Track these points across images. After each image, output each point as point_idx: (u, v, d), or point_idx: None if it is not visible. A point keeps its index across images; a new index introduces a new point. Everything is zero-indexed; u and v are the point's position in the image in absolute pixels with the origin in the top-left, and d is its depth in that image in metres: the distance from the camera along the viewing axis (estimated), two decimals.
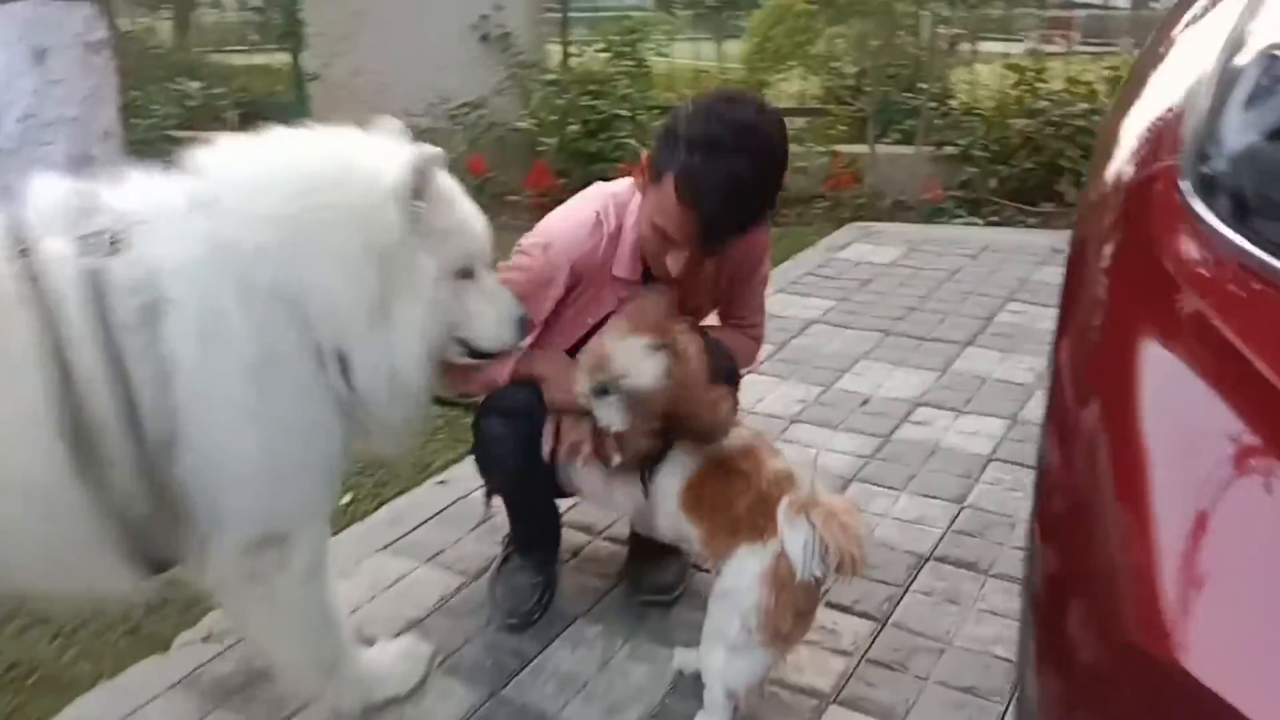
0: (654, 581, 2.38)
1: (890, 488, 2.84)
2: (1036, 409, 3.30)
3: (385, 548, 2.62)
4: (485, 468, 2.29)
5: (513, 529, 2.44)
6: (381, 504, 2.87)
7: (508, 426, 2.14)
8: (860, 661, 2.14)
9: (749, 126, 1.92)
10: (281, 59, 7.75)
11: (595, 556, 2.58)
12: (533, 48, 6.82)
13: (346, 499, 2.88)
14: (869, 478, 2.92)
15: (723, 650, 1.87)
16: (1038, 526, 0.81)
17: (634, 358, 1.86)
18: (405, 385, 1.68)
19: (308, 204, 1.60)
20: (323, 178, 1.62)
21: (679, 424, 1.91)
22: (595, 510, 2.71)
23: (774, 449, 2.01)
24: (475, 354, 1.83)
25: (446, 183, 1.69)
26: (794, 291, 4.64)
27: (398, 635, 2.24)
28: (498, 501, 2.42)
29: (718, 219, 1.94)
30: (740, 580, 1.84)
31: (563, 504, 2.59)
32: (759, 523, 1.82)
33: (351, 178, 1.62)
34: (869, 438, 3.15)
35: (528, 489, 2.28)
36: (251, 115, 7.62)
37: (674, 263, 2.03)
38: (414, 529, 2.71)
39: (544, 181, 6.21)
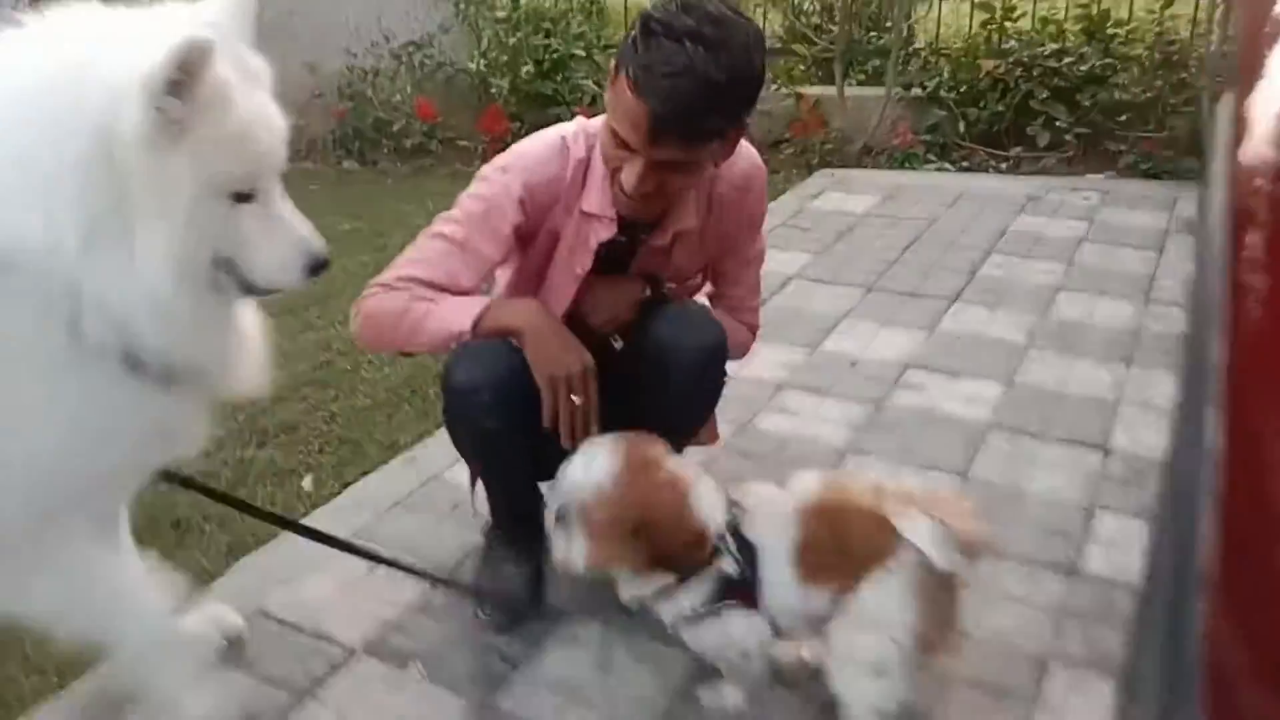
0: None
1: (889, 460, 2.70)
2: (1032, 371, 3.18)
3: (353, 536, 2.40)
4: (454, 428, 2.05)
5: (492, 507, 2.24)
6: (345, 486, 2.65)
7: (479, 376, 1.89)
8: None
9: (717, 19, 1.72)
10: None
11: None
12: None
13: (306, 481, 2.66)
14: (865, 448, 2.76)
15: (870, 677, 1.69)
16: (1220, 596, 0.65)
17: (584, 467, 1.69)
18: (169, 314, 1.40)
19: (7, 127, 1.31)
20: (36, 85, 1.31)
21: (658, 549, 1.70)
22: None
23: (851, 485, 1.79)
24: (249, 288, 1.53)
25: (223, 79, 1.35)
26: (769, 245, 4.44)
27: (373, 640, 2.06)
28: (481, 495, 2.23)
29: (665, 109, 1.71)
30: (886, 605, 1.65)
31: (546, 486, 2.41)
32: (877, 551, 1.65)
33: (78, 76, 1.30)
34: (861, 404, 3.00)
35: (504, 453, 2.05)
36: None
37: (629, 176, 1.83)
38: (382, 514, 2.51)
39: (497, 126, 5.92)
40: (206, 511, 2.50)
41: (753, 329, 2.31)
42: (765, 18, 6.65)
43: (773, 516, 1.74)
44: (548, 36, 6.26)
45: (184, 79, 1.27)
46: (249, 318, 1.67)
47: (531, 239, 2.02)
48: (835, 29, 6.38)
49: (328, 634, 2.09)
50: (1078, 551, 2.30)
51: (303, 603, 2.18)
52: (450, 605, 2.18)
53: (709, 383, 2.10)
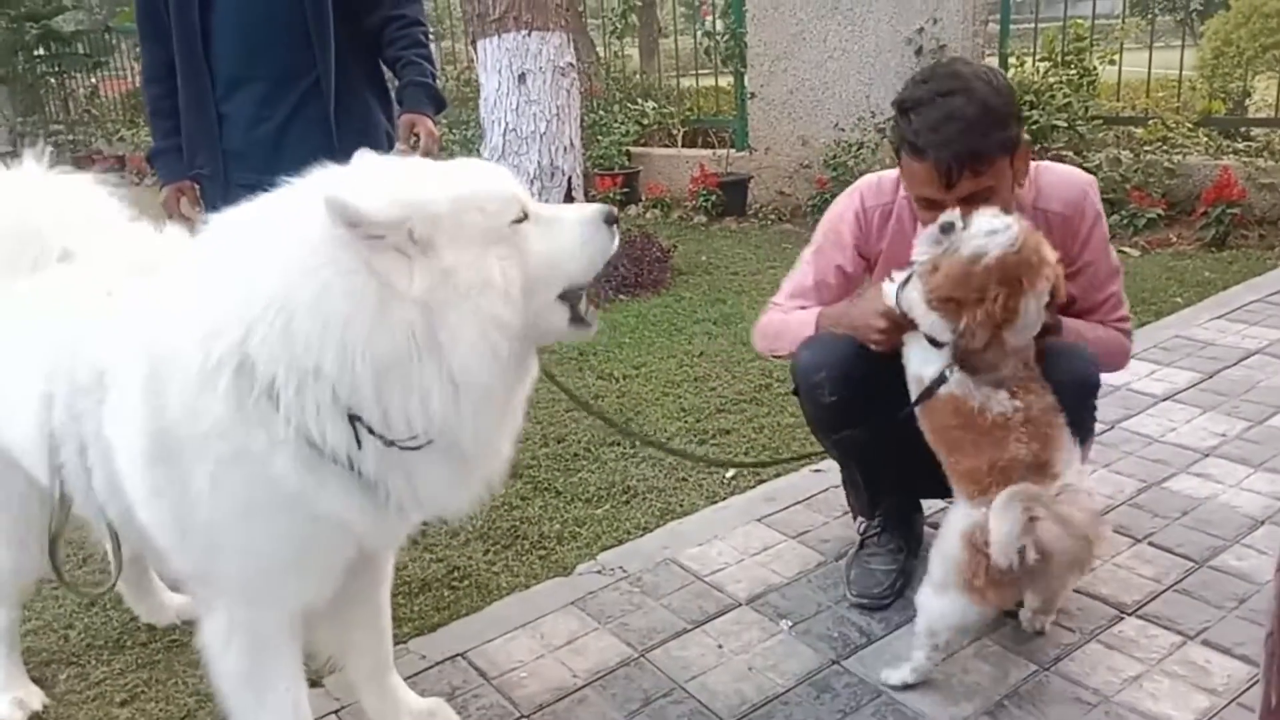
0: None
1: None
2: None
3: (759, 520, 2.85)
4: (804, 408, 2.40)
5: (852, 501, 2.59)
6: (761, 483, 3.10)
7: (818, 358, 2.27)
8: (1229, 704, 1.98)
9: (951, 74, 2.08)
10: (728, 80, 8.35)
11: None
12: (969, 59, 6.72)
13: (730, 474, 3.16)
14: None
15: (929, 588, 2.06)
16: None
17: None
18: (480, 400, 1.52)
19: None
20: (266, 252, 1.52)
21: None
22: None
23: (1059, 438, 2.01)
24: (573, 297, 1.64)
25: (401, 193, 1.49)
26: (1237, 319, 4.20)
27: (756, 596, 2.46)
28: None
29: (946, 154, 2.00)
30: (948, 530, 2.01)
31: (929, 505, 2.65)
32: (982, 487, 1.93)
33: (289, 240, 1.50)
34: None
35: (849, 435, 2.32)
36: (696, 133, 8.34)
37: None
38: (786, 508, 2.91)
39: None
40: (651, 484, 3.11)
41: (1127, 334, 2.37)
42: None
43: None
44: (1031, 108, 6.33)
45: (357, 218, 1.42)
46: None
47: (875, 260, 2.38)
48: None
49: (721, 585, 2.53)
50: None
51: (708, 559, 2.65)
52: (825, 583, 2.52)
53: (1083, 415, 2.23)
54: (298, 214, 1.52)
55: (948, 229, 1.96)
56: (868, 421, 2.23)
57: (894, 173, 2.33)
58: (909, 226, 2.27)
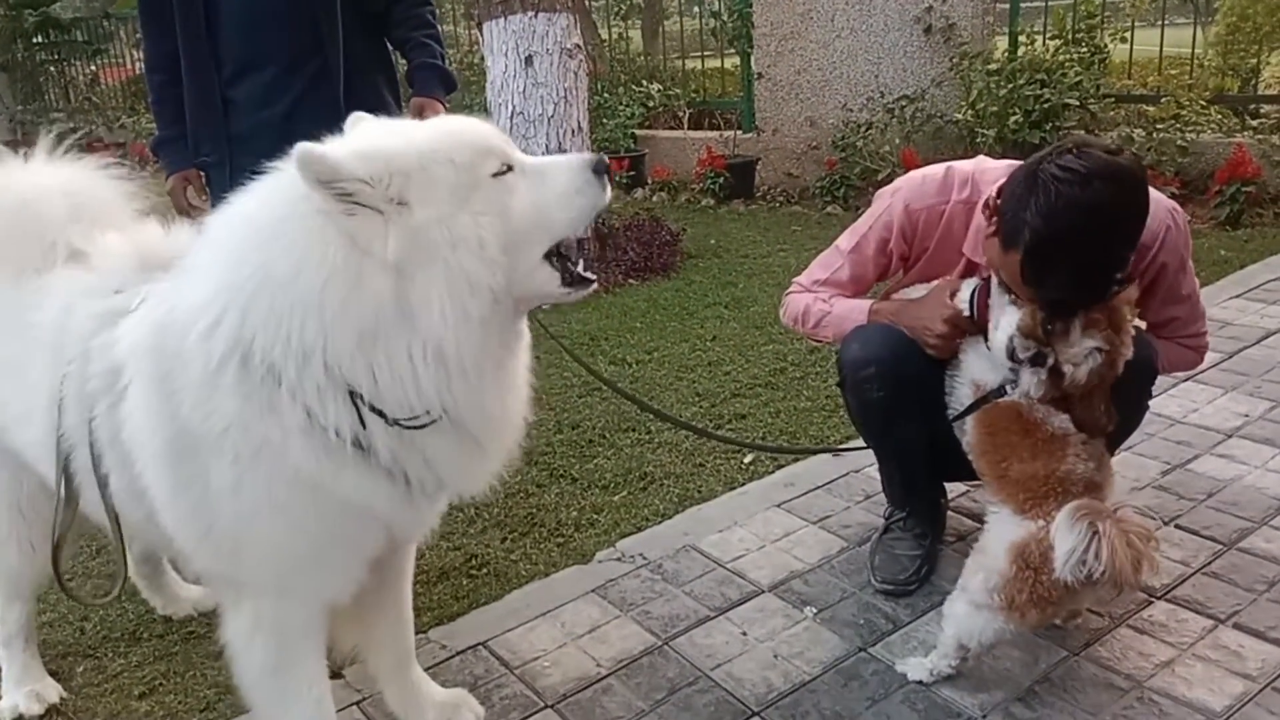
0: None
1: None
2: None
3: (778, 505, 2.82)
4: (847, 400, 2.36)
5: (886, 488, 2.54)
6: (779, 468, 3.07)
7: (867, 352, 2.21)
8: (1264, 689, 1.95)
9: (1096, 209, 1.77)
10: (734, 61, 8.29)
11: None
12: (978, 38, 6.65)
13: (748, 458, 3.12)
14: None
15: (964, 602, 1.98)
16: None
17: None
18: (457, 363, 1.47)
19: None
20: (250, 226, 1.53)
21: None
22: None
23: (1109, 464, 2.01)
24: (564, 254, 1.57)
25: (367, 148, 1.47)
26: (1256, 298, 4.16)
27: (779, 582, 2.43)
28: None
29: (1059, 304, 1.87)
30: (993, 542, 1.93)
31: (952, 489, 2.62)
32: (1036, 496, 1.88)
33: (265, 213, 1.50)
34: None
35: (892, 427, 2.31)
36: (702, 115, 8.28)
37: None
38: (806, 493, 2.88)
39: None
40: (668, 470, 3.08)
41: (1198, 350, 2.33)
42: None
43: None
44: (1042, 87, 6.26)
45: (324, 173, 1.39)
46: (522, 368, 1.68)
47: (917, 259, 2.28)
48: None
49: (743, 572, 2.50)
50: None
51: (729, 546, 2.62)
52: (849, 568, 2.48)
53: (1141, 396, 2.21)
54: (277, 191, 1.50)
55: (1039, 362, 1.89)
56: (915, 422, 2.23)
57: (938, 170, 2.24)
58: (959, 230, 2.20)
